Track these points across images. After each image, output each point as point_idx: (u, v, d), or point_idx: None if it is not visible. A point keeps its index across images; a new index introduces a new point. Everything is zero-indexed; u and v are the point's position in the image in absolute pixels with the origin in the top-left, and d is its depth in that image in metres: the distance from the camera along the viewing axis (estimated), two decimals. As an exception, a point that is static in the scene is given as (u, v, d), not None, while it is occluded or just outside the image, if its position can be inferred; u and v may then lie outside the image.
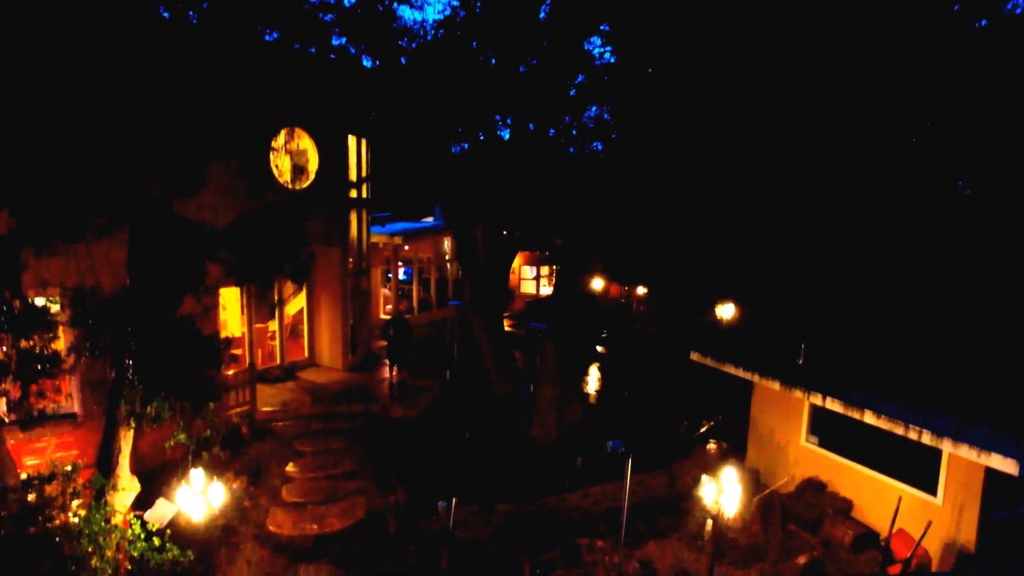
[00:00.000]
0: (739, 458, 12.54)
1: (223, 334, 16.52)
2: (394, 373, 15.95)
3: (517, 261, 30.72)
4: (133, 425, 7.40)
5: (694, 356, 13.04)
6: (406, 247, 23.27)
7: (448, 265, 25.00)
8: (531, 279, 31.57)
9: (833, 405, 9.70)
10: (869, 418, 9.11)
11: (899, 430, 8.66)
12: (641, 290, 29.47)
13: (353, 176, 16.74)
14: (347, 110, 16.06)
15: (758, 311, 17.95)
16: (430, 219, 27.23)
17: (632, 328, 23.93)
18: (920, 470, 9.24)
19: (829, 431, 10.85)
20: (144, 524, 7.19)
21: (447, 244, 24.80)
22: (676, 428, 14.65)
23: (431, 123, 15.40)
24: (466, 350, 16.47)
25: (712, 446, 13.87)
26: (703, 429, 14.80)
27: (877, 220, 17.48)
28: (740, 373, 11.79)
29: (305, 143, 15.60)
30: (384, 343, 17.33)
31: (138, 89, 7.08)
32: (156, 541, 7.14)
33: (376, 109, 17.19)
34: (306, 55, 13.84)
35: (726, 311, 18.14)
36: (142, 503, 8.84)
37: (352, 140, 16.61)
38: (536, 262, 31.18)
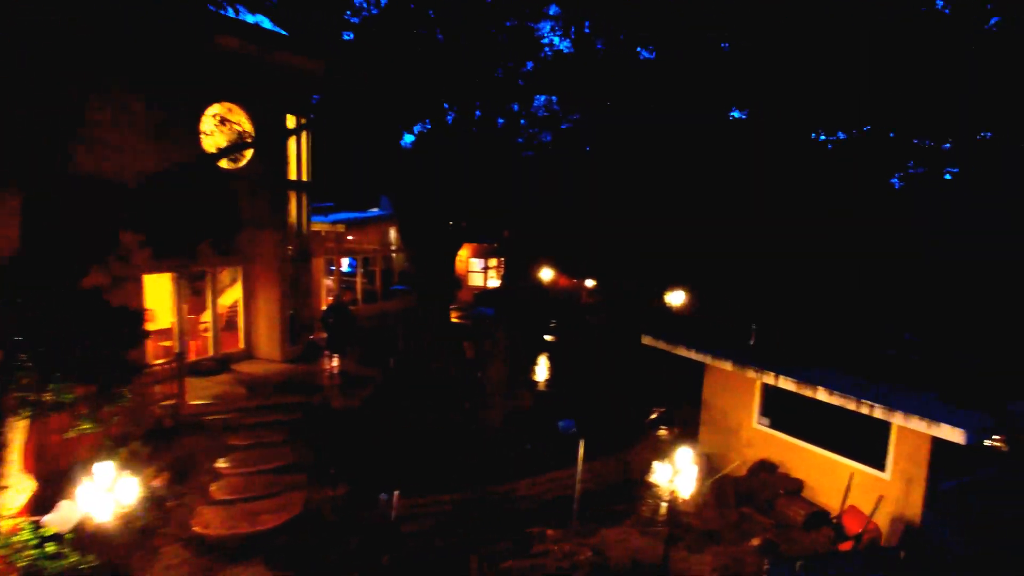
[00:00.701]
0: (692, 443, 12.39)
1: (152, 326, 15.43)
2: (335, 363, 15.20)
3: (465, 252, 30.15)
4: (27, 414, 6.52)
5: (646, 340, 12.84)
6: (350, 236, 22.42)
7: (394, 256, 24.25)
8: (479, 271, 31.08)
9: (786, 383, 9.59)
10: (822, 395, 9.02)
11: (851, 405, 8.59)
12: (590, 282, 29.40)
13: (293, 159, 15.86)
14: (286, 88, 15.17)
15: (708, 298, 17.97)
16: (376, 209, 26.40)
17: (582, 319, 23.72)
18: (869, 447, 9.22)
19: (780, 413, 10.79)
20: (37, 529, 6.32)
21: (393, 234, 24.04)
22: (627, 415, 14.44)
23: (378, 104, 14.73)
24: (412, 338, 15.86)
25: (664, 432, 13.70)
26: (654, 415, 14.63)
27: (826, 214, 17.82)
28: (692, 355, 11.62)
29: (240, 119, 14.65)
30: (326, 335, 16.54)
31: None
32: (51, 547, 6.28)
33: (319, 89, 16.35)
34: (237, 23, 12.93)
35: (676, 298, 18.10)
36: (46, 507, 7.92)
37: (292, 120, 15.71)
38: (484, 254, 30.70)
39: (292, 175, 15.85)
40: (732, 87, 18.74)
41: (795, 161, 18.82)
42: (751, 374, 10.39)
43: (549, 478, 10.78)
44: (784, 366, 10.11)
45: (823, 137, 21.04)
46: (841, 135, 20.68)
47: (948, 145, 21.27)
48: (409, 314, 16.05)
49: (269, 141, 14.68)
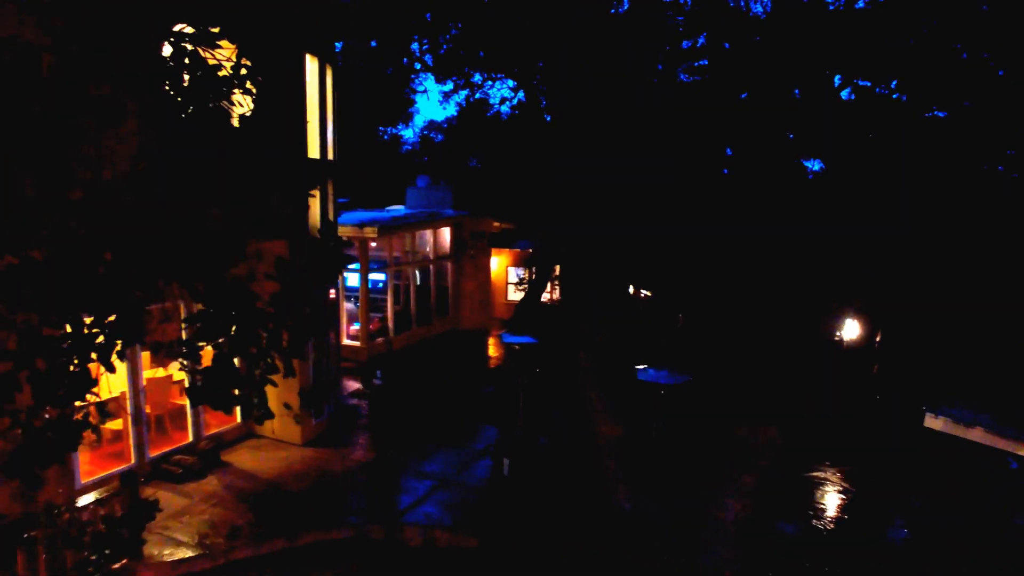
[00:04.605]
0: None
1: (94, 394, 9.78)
2: (385, 448, 9.70)
3: (504, 261, 24.71)
4: None
5: (934, 423, 7.55)
6: (373, 243, 16.85)
7: (431, 267, 18.73)
8: (516, 283, 25.58)
9: None
10: None
11: None
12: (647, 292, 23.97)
13: (315, 128, 10.32)
14: (301, 14, 9.67)
15: (901, 333, 12.53)
16: (399, 206, 20.85)
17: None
18: None
19: None
20: None
21: (430, 238, 18.53)
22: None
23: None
24: (538, 405, 10.06)
25: None
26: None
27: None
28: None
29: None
30: (358, 385, 11.08)
31: None
32: None
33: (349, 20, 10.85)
34: None
35: (849, 329, 12.84)
36: None
37: (313, 64, 10.19)
38: (525, 262, 25.20)
39: (314, 152, 10.31)
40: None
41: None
42: None
43: None
44: None
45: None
46: None
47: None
48: (531, 368, 10.27)
49: (281, 120, 9.12)
